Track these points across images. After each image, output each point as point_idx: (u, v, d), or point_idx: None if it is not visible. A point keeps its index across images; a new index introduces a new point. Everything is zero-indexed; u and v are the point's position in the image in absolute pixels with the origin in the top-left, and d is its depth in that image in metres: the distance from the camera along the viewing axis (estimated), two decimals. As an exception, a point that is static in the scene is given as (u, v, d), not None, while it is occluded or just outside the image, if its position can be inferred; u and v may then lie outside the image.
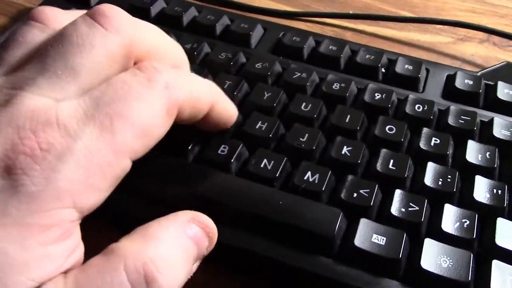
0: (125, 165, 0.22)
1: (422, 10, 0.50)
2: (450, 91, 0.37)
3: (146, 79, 0.23)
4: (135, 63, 0.25)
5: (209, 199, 0.29)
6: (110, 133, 0.21)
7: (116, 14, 0.24)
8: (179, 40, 0.39)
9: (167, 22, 0.41)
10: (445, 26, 0.48)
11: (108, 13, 0.24)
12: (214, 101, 0.28)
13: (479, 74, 0.39)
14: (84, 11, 0.25)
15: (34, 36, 0.24)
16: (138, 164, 0.26)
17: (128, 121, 0.22)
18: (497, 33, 0.45)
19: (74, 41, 0.23)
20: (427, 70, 0.38)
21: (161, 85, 0.24)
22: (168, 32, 0.39)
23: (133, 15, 0.41)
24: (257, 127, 0.33)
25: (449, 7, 0.51)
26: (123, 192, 0.28)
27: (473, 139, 0.33)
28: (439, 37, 0.47)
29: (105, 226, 0.28)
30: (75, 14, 0.26)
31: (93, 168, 0.21)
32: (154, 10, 0.42)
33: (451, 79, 0.37)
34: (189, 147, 0.32)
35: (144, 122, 0.22)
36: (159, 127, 0.24)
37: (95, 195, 0.21)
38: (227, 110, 0.30)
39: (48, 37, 0.24)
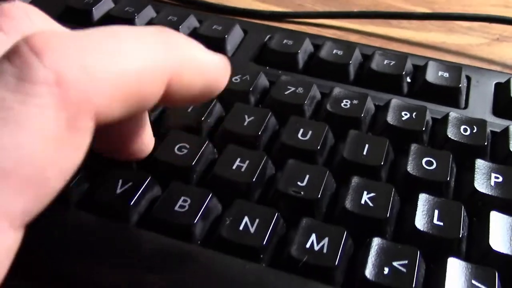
0: (6, 244, 0.14)
1: (444, 6, 0.42)
2: (504, 106, 0.28)
3: (15, 77, 0.14)
4: None
5: (160, 286, 0.19)
6: None
7: (23, 12, 0.18)
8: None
9: None
10: (475, 24, 0.39)
11: (13, 13, 0.18)
12: (174, 74, 0.17)
13: (538, 81, 0.29)
14: None
15: None
16: (53, 233, 0.20)
17: None
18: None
19: None
20: (468, 78, 0.29)
21: (45, 82, 0.14)
22: None
23: (71, 19, 0.32)
24: (234, 167, 0.23)
25: (476, 2, 0.42)
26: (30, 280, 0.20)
27: (549, 173, 0.23)
28: (468, 38, 0.38)
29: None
30: None
31: None
32: (98, 12, 0.32)
33: (503, 89, 0.28)
34: (131, 202, 0.21)
35: (22, 163, 0.14)
36: (56, 161, 0.14)
37: None
38: (205, 77, 0.19)
39: None
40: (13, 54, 0.14)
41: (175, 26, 0.31)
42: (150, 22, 0.32)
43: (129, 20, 0.31)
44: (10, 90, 0.14)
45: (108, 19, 0.32)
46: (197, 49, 0.19)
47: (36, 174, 0.14)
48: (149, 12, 0.33)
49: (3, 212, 0.13)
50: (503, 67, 0.36)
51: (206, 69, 0.19)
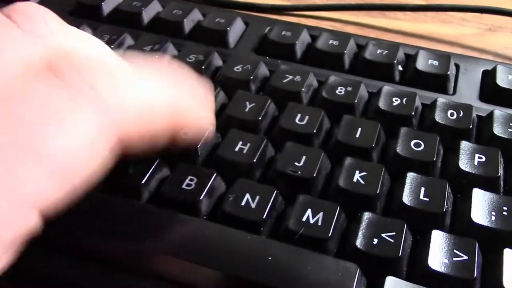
0: (28, 221, 0.15)
1: None
2: (490, 91, 0.29)
3: (65, 87, 0.17)
4: None
5: (170, 255, 0.21)
6: (1, 176, 0.15)
7: (39, 14, 0.19)
8: (136, 41, 0.31)
9: (124, 21, 0.33)
10: (469, 14, 0.40)
11: (29, 13, 0.19)
12: (177, 122, 0.20)
13: (524, 68, 0.30)
14: None
15: None
16: (72, 210, 0.20)
17: (36, 157, 0.15)
18: (535, 19, 0.36)
19: None
20: (457, 66, 0.30)
21: (88, 98, 0.17)
22: (123, 32, 0.31)
23: (81, 15, 0.33)
24: (236, 149, 0.25)
25: None
26: (51, 251, 0.22)
27: (529, 153, 0.24)
28: (462, 28, 0.39)
29: None
30: None
31: None
32: (107, 7, 0.34)
33: (489, 76, 0.29)
34: (143, 181, 0.23)
35: (60, 156, 0.16)
36: (89, 164, 0.17)
37: None
38: (198, 124, 0.22)
39: None
40: (62, 72, 0.17)
41: (180, 19, 0.32)
42: (157, 16, 0.33)
43: (137, 14, 0.33)
44: (61, 98, 0.16)
45: (117, 14, 0.33)
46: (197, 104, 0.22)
47: (69, 168, 0.16)
48: (155, 6, 0.34)
49: (35, 195, 0.15)
50: (495, 56, 0.37)
51: (202, 115, 0.22)
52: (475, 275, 0.20)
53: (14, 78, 0.16)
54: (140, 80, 0.19)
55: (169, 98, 0.20)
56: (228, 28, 0.32)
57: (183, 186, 0.23)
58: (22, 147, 0.15)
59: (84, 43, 0.20)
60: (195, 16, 0.33)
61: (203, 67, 0.29)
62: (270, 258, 0.20)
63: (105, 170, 0.18)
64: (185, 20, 0.32)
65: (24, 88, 0.16)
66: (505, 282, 0.20)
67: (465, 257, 0.21)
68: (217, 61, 0.30)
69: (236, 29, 0.33)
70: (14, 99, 0.16)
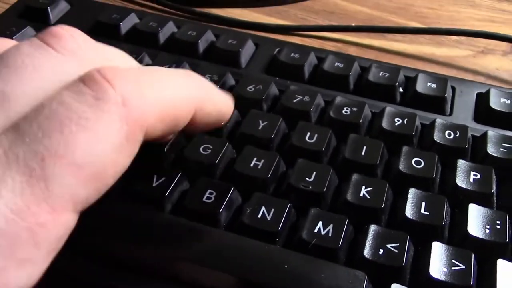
0: (67, 221, 0.17)
1: (434, 21, 0.45)
2: (484, 113, 0.31)
3: (93, 97, 0.18)
4: None
5: (192, 262, 0.23)
6: (42, 181, 0.16)
7: (71, 35, 0.21)
8: (154, 60, 0.33)
9: (141, 40, 0.35)
10: (463, 38, 0.42)
11: (60, 34, 0.20)
12: (199, 106, 0.22)
13: (515, 91, 0.32)
14: None
15: None
16: (101, 219, 0.23)
17: (67, 162, 0.17)
18: (524, 43, 0.39)
19: (12, 63, 0.18)
20: (453, 88, 0.32)
21: (115, 103, 0.18)
22: (141, 51, 0.33)
23: (100, 33, 0.35)
24: (251, 165, 0.26)
25: (463, 16, 0.45)
26: (79, 256, 0.23)
27: (521, 172, 0.27)
28: (456, 50, 0.41)
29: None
30: None
31: (19, 236, 0.16)
32: (125, 26, 0.36)
33: (483, 98, 0.31)
34: (166, 194, 0.25)
35: (92, 161, 0.17)
36: (115, 163, 0.18)
37: (26, 271, 0.16)
38: (218, 110, 0.24)
39: None
40: (88, 80, 0.18)
41: (195, 40, 0.34)
42: (173, 36, 0.35)
43: (153, 34, 0.35)
44: (89, 105, 0.17)
45: (135, 33, 0.35)
46: (214, 90, 0.24)
47: (100, 172, 0.17)
48: (170, 27, 0.35)
49: (72, 197, 0.17)
50: (486, 78, 0.39)
51: (219, 104, 0.24)
52: (471, 282, 0.22)
53: (52, 94, 0.18)
54: (163, 76, 0.21)
55: (187, 85, 0.22)
56: (240, 50, 0.34)
57: (204, 199, 0.25)
58: (54, 154, 0.16)
59: (110, 54, 0.22)
60: (208, 37, 0.35)
61: (218, 86, 0.31)
62: (286, 266, 0.22)
63: (127, 165, 0.19)
64: (199, 41, 0.34)
65: (60, 102, 0.17)
66: (499, 289, 0.22)
67: (463, 267, 0.23)
68: (231, 80, 0.32)
69: (247, 50, 0.34)
70: (41, 108, 0.17)
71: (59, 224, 0.17)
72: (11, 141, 0.16)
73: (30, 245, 0.16)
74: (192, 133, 0.26)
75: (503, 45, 0.41)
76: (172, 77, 0.21)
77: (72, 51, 0.20)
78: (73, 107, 0.17)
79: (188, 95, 0.22)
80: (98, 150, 0.17)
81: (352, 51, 0.41)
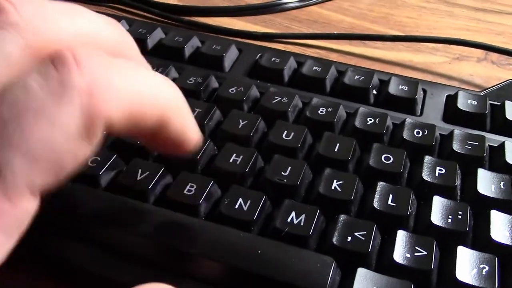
0: (26, 208, 0.17)
1: (413, 30, 0.47)
2: (452, 114, 0.32)
3: (58, 82, 0.17)
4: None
5: (173, 248, 0.24)
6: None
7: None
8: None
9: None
10: (439, 45, 0.44)
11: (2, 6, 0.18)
12: (166, 113, 0.20)
13: (482, 94, 0.34)
14: None
15: None
16: (89, 206, 0.25)
17: (21, 151, 0.16)
18: (496, 50, 0.41)
19: None
20: (424, 91, 0.34)
21: (79, 91, 0.17)
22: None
23: None
24: (231, 160, 0.28)
25: (441, 25, 0.48)
26: (69, 240, 0.25)
27: (483, 167, 0.28)
28: (433, 57, 0.43)
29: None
30: None
31: None
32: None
33: (452, 100, 0.33)
34: (149, 186, 0.26)
35: (47, 150, 0.17)
36: (73, 152, 0.17)
37: None
38: (185, 129, 0.22)
39: None
40: (58, 60, 0.17)
41: (181, 46, 0.36)
42: (160, 42, 0.37)
43: (141, 40, 0.36)
44: (51, 92, 0.17)
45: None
46: (187, 108, 0.22)
47: (56, 161, 0.17)
48: (158, 34, 0.37)
49: (28, 185, 0.17)
50: (460, 83, 0.41)
51: (187, 125, 0.22)
52: (432, 267, 0.24)
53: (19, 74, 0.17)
54: (138, 71, 0.19)
55: (159, 87, 0.20)
56: (224, 54, 0.35)
57: (185, 192, 0.26)
58: (8, 143, 0.16)
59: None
60: (195, 43, 0.37)
61: (201, 88, 0.33)
62: (259, 252, 0.24)
63: (87, 157, 0.18)
64: (185, 46, 0.36)
65: (23, 87, 0.17)
66: (458, 273, 0.23)
67: (425, 253, 0.24)
68: (214, 83, 0.34)
69: (231, 55, 0.36)
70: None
71: (17, 211, 0.17)
72: None
73: None
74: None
75: (478, 52, 0.43)
76: (148, 75, 0.20)
77: (15, 21, 0.18)
78: (35, 96, 0.17)
79: (159, 98, 0.20)
80: (54, 140, 0.17)
81: (334, 57, 0.43)
